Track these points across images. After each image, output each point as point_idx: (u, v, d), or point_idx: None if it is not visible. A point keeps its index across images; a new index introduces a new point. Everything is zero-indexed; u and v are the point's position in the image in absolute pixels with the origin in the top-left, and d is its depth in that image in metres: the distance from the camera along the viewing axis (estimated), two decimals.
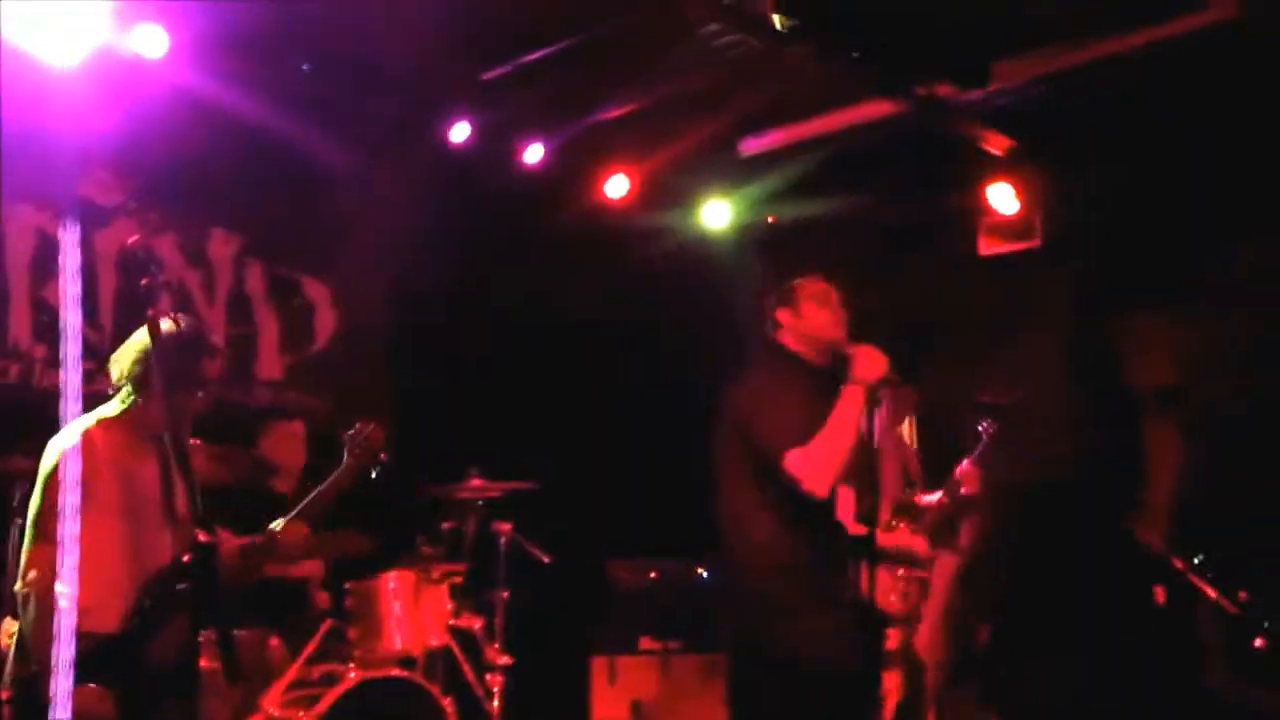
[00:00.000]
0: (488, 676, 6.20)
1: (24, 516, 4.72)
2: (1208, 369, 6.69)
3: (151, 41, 5.80)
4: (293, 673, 5.47)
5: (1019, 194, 7.21)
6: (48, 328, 6.45)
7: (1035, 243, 7.47)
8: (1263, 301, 6.54)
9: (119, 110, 5.95)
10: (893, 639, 5.89)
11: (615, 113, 7.15)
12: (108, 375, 4.35)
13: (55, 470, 4.09)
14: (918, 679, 6.05)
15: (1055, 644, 6.49)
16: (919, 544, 5.95)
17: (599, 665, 7.16)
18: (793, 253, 7.18)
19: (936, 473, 6.34)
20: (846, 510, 4.56)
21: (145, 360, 4.17)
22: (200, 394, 4.30)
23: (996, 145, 7.09)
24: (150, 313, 3.83)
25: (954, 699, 6.23)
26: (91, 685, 3.79)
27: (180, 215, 7.07)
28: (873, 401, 4.46)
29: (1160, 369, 6.86)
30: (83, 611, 3.82)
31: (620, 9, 6.08)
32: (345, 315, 7.77)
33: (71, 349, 3.89)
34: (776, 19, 5.84)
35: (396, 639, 5.70)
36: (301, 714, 5.34)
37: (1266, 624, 5.39)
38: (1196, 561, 5.64)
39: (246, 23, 5.88)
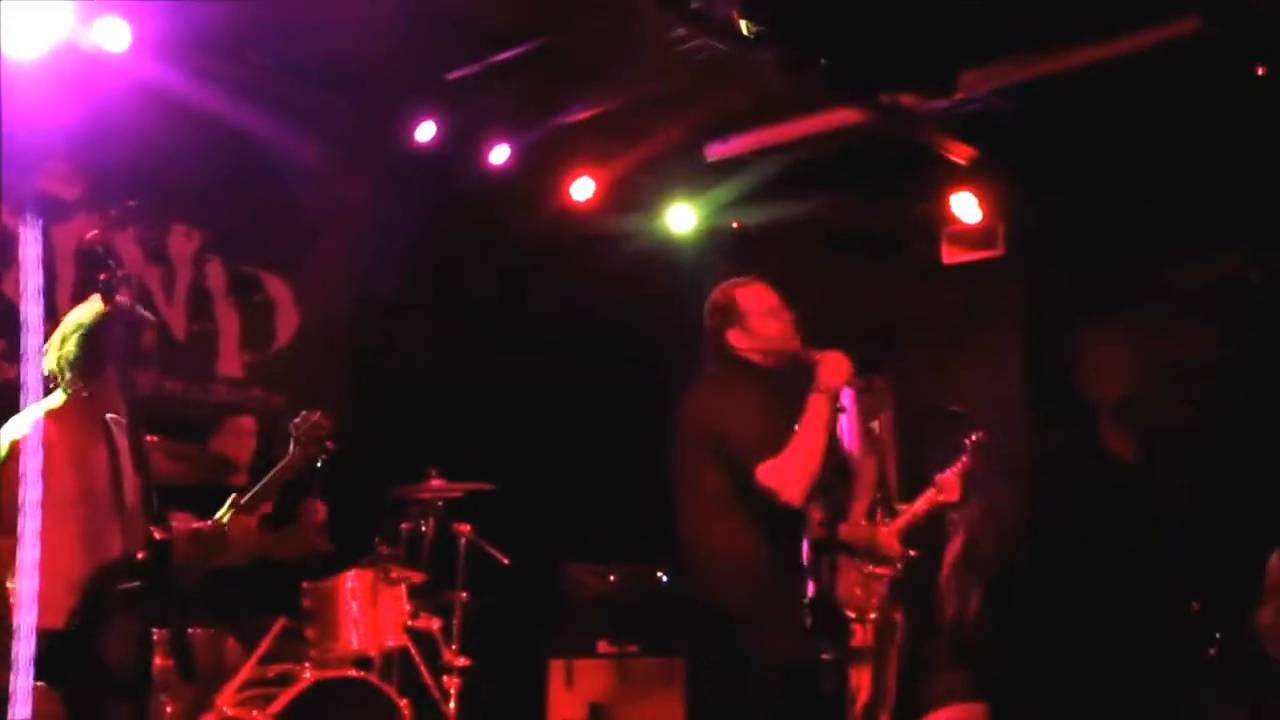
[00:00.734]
0: (445, 678, 6.16)
1: None
2: (1160, 380, 6.75)
3: (114, 35, 5.76)
4: (247, 671, 5.43)
5: (981, 203, 7.26)
6: (3, 320, 6.39)
7: (998, 251, 7.53)
8: (1215, 311, 6.61)
9: (80, 104, 5.91)
10: (860, 635, 5.91)
11: (581, 115, 7.15)
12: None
13: (7, 462, 4.05)
14: (885, 677, 6.06)
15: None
16: (891, 542, 5.98)
17: (556, 668, 7.15)
18: (757, 257, 7.20)
19: (904, 473, 6.38)
20: (813, 510, 4.57)
21: (89, 345, 4.13)
22: (142, 372, 4.28)
23: (960, 154, 7.13)
24: (108, 306, 3.81)
25: (941, 687, 6.25)
26: (39, 684, 3.75)
27: (141, 211, 7.02)
28: (839, 406, 4.48)
29: (1114, 380, 6.92)
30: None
31: (587, 11, 6.08)
32: (307, 313, 7.73)
33: (32, 341, 3.87)
34: (743, 25, 5.84)
35: (353, 639, 5.66)
36: (256, 713, 5.30)
37: (1218, 634, 5.44)
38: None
39: (209, 18, 5.85)
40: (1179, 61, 5.97)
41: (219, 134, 6.60)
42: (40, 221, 5.31)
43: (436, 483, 6.37)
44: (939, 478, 6.17)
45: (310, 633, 5.66)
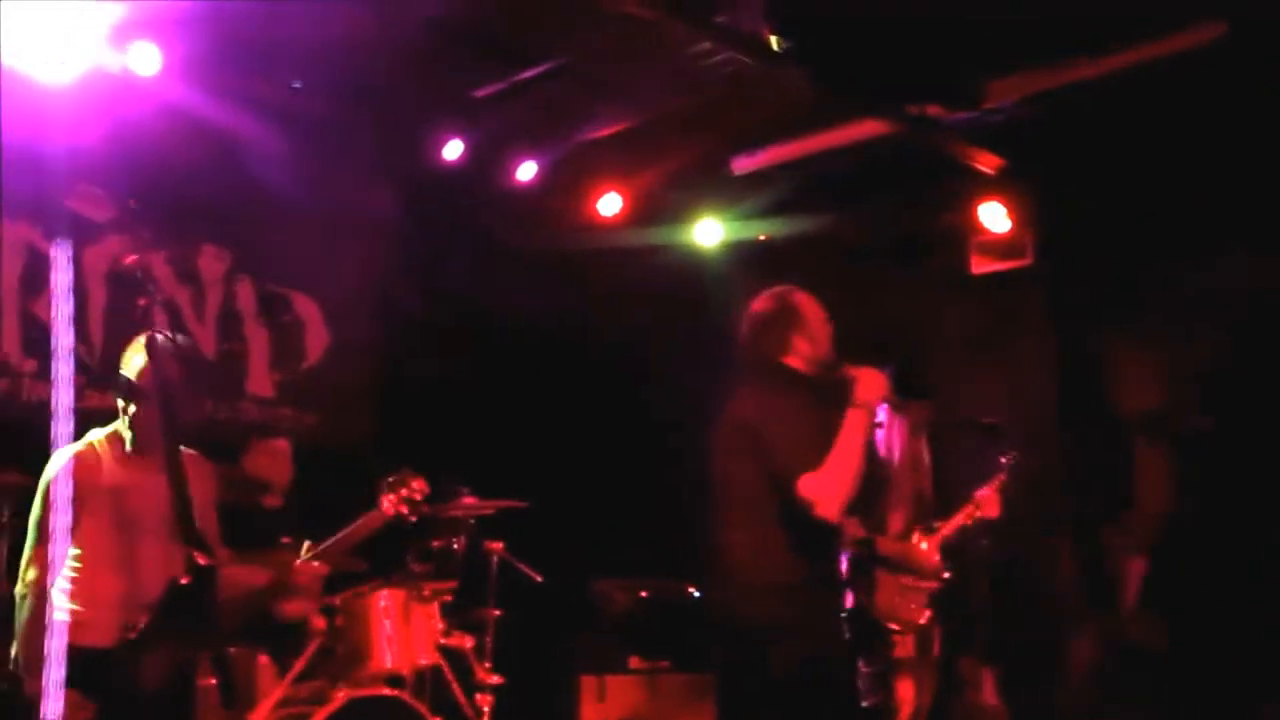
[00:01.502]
0: (477, 696, 6.15)
1: (13, 533, 4.74)
2: (1188, 390, 6.72)
3: (145, 59, 5.80)
4: (281, 691, 5.43)
5: (1010, 213, 7.23)
6: (36, 342, 6.44)
7: (1026, 261, 7.49)
8: (1239, 318, 6.58)
9: (110, 126, 5.96)
10: (902, 647, 5.89)
11: (607, 131, 7.16)
12: (100, 391, 4.36)
13: (54, 481, 4.11)
14: (922, 692, 6.04)
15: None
16: (930, 557, 5.96)
17: (588, 684, 7.13)
18: (784, 271, 7.19)
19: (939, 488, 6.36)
20: (852, 524, 4.57)
21: (141, 375, 4.17)
22: (198, 408, 4.32)
23: (987, 164, 7.11)
24: (148, 332, 3.83)
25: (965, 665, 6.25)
26: (72, 691, 3.78)
27: (171, 232, 7.06)
28: (875, 422, 4.49)
29: (1146, 392, 6.89)
30: (75, 625, 3.83)
31: (611, 27, 6.09)
32: (336, 332, 7.76)
33: (63, 368, 3.89)
34: (774, 40, 5.83)
35: (386, 657, 5.66)
36: None
37: None
38: None
39: (238, 41, 5.89)
40: (1207, 67, 5.94)
41: (247, 154, 6.63)
42: (71, 246, 5.36)
43: (468, 500, 6.37)
44: (978, 494, 6.14)
45: (342, 651, 5.66)
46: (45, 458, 4.20)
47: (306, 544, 5.00)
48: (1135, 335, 7.06)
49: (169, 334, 4.05)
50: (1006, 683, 6.50)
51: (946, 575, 5.96)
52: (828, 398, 4.47)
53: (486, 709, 6.15)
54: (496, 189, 7.40)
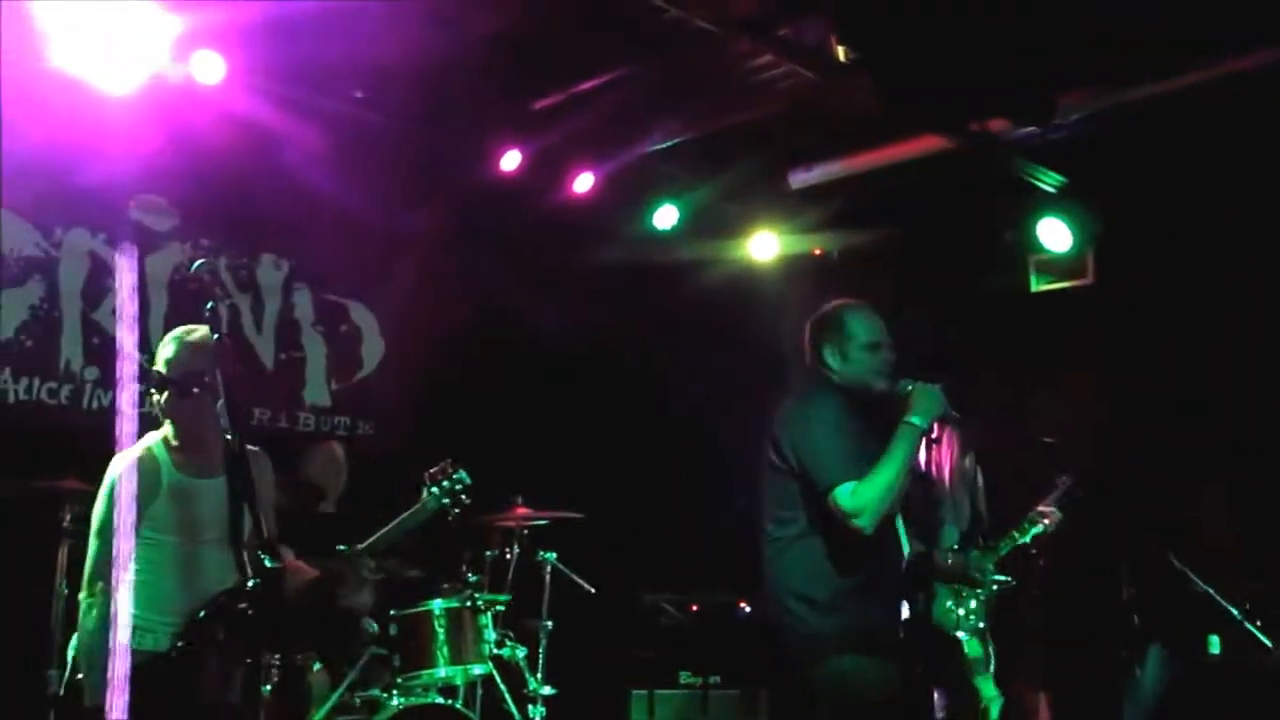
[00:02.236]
0: (529, 706, 6.16)
1: (74, 537, 4.77)
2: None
3: (208, 68, 5.85)
4: (336, 699, 5.46)
5: (1071, 230, 7.15)
6: (98, 350, 6.50)
7: (1086, 280, 7.43)
8: None
9: (172, 136, 6.01)
10: (961, 657, 5.84)
11: (665, 143, 7.16)
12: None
13: (115, 486, 4.11)
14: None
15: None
16: (988, 572, 5.91)
17: (638, 698, 7.12)
18: (840, 285, 7.17)
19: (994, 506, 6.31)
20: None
21: (172, 366, 4.15)
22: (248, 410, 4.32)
23: (1048, 180, 7.05)
24: (217, 335, 3.85)
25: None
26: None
27: (230, 241, 7.13)
28: (929, 439, 4.45)
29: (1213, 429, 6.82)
30: (136, 629, 3.85)
31: (671, 39, 6.09)
32: (392, 342, 7.79)
33: (127, 366, 3.92)
34: (840, 51, 5.79)
35: (439, 667, 5.69)
36: None
37: None
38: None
39: (300, 52, 5.93)
40: (1269, 89, 5.87)
41: (307, 165, 6.67)
42: (135, 250, 5.42)
43: (521, 511, 6.39)
44: (1038, 509, 6.09)
45: (397, 660, 5.68)
46: (105, 466, 4.21)
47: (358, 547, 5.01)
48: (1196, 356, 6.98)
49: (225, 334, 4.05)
50: (1060, 708, 6.44)
51: (1004, 579, 5.92)
52: (883, 412, 4.44)
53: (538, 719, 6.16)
54: (552, 201, 7.41)
